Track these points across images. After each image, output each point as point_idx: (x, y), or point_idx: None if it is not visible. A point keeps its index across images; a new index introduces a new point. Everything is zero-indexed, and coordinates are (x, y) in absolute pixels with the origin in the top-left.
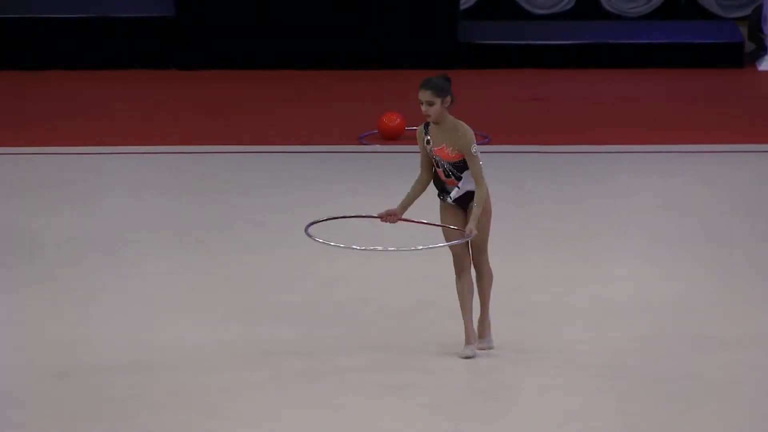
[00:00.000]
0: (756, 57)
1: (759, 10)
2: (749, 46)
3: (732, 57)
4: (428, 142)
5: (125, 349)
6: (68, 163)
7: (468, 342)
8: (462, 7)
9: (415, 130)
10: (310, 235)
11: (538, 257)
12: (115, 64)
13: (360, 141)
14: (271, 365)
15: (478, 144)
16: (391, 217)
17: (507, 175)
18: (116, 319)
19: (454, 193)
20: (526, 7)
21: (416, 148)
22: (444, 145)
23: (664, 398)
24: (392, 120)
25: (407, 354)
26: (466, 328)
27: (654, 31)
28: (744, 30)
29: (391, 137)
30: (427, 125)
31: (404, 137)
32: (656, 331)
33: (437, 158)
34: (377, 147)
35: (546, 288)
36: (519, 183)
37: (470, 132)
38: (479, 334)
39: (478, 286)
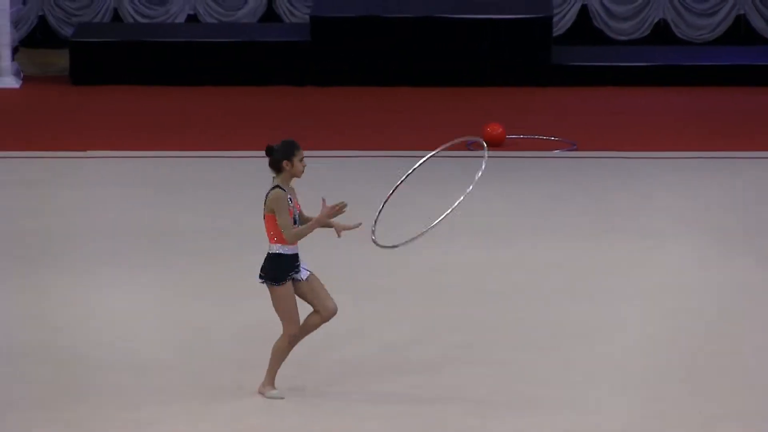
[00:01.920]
0: None
1: None
2: None
3: None
4: (290, 200)
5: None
6: (238, 164)
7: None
8: (555, 34)
9: (517, 137)
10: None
11: (608, 246)
12: (261, 81)
13: (468, 147)
14: None
15: (568, 150)
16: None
17: (590, 177)
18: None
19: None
20: (610, 34)
21: (512, 153)
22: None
23: None
24: (495, 129)
25: None
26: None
27: (718, 54)
28: None
29: (494, 144)
30: (281, 188)
31: (505, 145)
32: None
33: (296, 213)
34: (482, 152)
35: (611, 271)
36: (601, 184)
37: None
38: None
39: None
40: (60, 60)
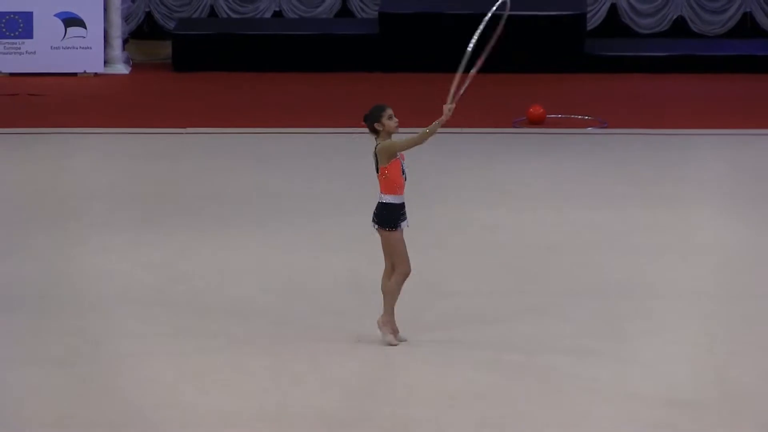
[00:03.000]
0: None
1: None
2: None
3: None
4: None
5: None
6: (316, 139)
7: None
8: (588, 28)
9: (556, 117)
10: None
11: (637, 210)
12: (337, 69)
13: (514, 125)
14: None
15: (599, 128)
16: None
17: (619, 151)
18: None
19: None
20: (635, 28)
21: (552, 130)
22: None
23: None
24: (537, 110)
25: None
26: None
27: (728, 46)
28: None
29: (537, 122)
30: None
31: (546, 122)
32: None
33: (403, 163)
34: (526, 129)
35: (633, 232)
36: (628, 156)
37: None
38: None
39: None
40: (164, 50)
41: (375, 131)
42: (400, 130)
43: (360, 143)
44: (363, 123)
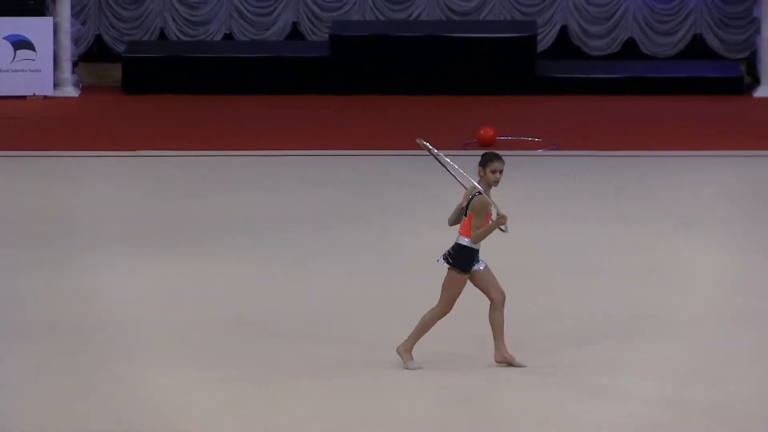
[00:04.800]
0: (752, 87)
1: (754, 53)
2: (747, 79)
3: (734, 87)
4: (493, 205)
5: None
6: (269, 161)
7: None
8: (539, 50)
9: (506, 138)
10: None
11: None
12: (287, 91)
13: (464, 147)
14: None
15: (550, 149)
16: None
17: (570, 171)
18: None
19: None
20: (586, 50)
21: (502, 152)
22: None
23: None
24: (488, 132)
25: None
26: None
27: (678, 67)
28: (743, 67)
29: (487, 144)
30: (483, 194)
31: (497, 144)
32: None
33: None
34: (477, 151)
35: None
36: (579, 176)
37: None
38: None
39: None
40: (114, 72)
41: (478, 177)
42: (346, 153)
43: (304, 167)
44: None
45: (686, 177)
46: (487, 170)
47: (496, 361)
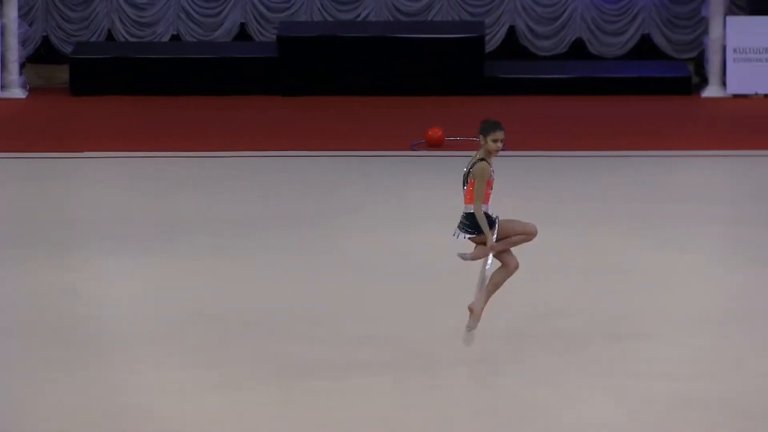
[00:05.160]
0: (700, 87)
1: (702, 53)
2: (695, 80)
3: (683, 87)
4: (493, 172)
5: None
6: (216, 163)
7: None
8: (487, 51)
9: (454, 139)
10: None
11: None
12: (235, 92)
13: (412, 147)
14: None
15: None
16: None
17: (519, 173)
18: None
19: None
20: (534, 50)
21: (450, 153)
22: None
23: None
24: (436, 132)
25: None
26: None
27: (626, 68)
28: (691, 67)
29: (435, 145)
30: (486, 160)
31: (445, 145)
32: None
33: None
34: (425, 152)
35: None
36: (526, 177)
37: None
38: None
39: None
40: (61, 74)
41: (479, 145)
42: (294, 154)
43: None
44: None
45: (635, 177)
46: (488, 139)
47: (469, 307)
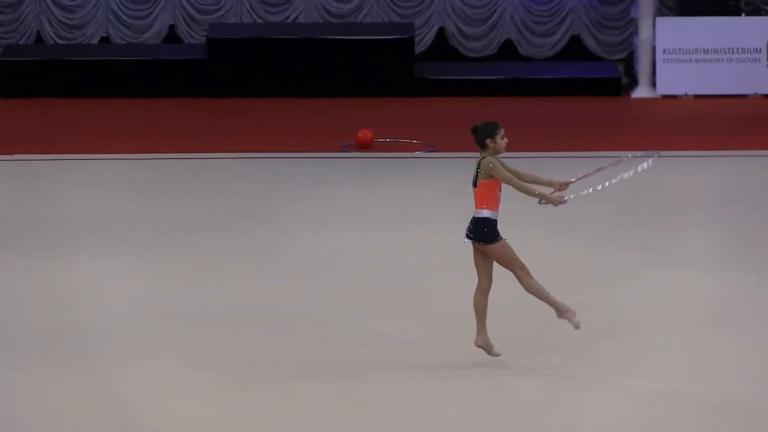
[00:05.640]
0: (630, 88)
1: (632, 54)
2: (625, 80)
3: (612, 88)
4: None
5: None
6: (147, 164)
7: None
8: (417, 52)
9: (384, 140)
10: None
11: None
12: (165, 94)
13: (342, 149)
14: None
15: (428, 151)
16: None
17: (449, 173)
18: None
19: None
20: (463, 52)
21: (381, 153)
22: None
23: None
24: (366, 134)
25: None
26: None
27: (556, 69)
28: (621, 68)
29: (365, 146)
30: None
31: (374, 147)
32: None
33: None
34: (355, 153)
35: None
36: (459, 179)
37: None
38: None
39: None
40: None
41: (483, 146)
42: (225, 156)
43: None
44: (472, 133)
45: (564, 178)
46: (497, 138)
47: (476, 345)
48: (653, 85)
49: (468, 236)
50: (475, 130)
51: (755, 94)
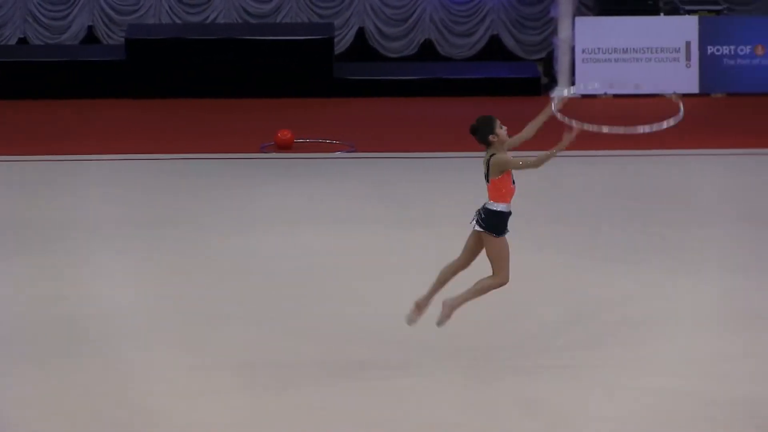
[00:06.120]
0: (550, 88)
1: (551, 53)
2: (544, 80)
3: (532, 88)
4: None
5: None
6: (65, 166)
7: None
8: (336, 52)
9: (303, 141)
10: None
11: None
12: (84, 95)
13: (262, 149)
14: None
15: (347, 151)
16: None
17: (368, 173)
18: None
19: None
20: (383, 52)
21: (300, 155)
22: None
23: None
24: (285, 134)
25: None
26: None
27: (475, 69)
28: (541, 68)
29: (285, 147)
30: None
31: (295, 147)
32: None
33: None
34: (274, 154)
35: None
36: (377, 178)
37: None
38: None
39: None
40: None
41: (487, 143)
42: (145, 157)
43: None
44: (472, 133)
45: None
46: (497, 130)
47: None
48: (572, 84)
49: (479, 224)
50: (474, 131)
51: (674, 93)
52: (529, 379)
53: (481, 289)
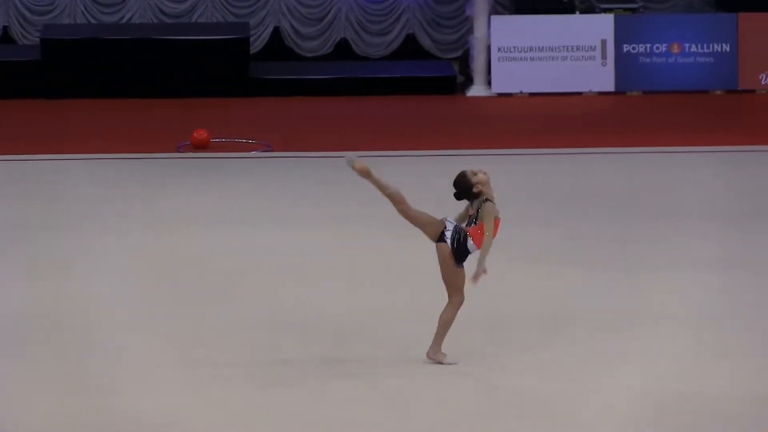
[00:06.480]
0: (465, 86)
1: (467, 52)
2: (460, 79)
3: (448, 86)
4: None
5: None
6: None
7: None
8: (252, 52)
9: (220, 141)
10: None
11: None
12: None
13: (178, 149)
14: None
15: (264, 151)
16: None
17: (285, 173)
18: None
19: None
20: (299, 51)
21: (216, 154)
22: None
23: None
24: (201, 134)
25: None
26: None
27: (391, 68)
28: (456, 66)
29: (201, 146)
30: (491, 201)
31: (211, 147)
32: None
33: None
34: (191, 154)
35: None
36: (293, 178)
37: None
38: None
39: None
40: None
41: (476, 195)
42: (61, 157)
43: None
44: (458, 198)
45: (402, 177)
46: (474, 181)
47: (428, 357)
48: (488, 83)
49: (452, 243)
50: (457, 194)
51: (590, 91)
52: (520, 378)
53: (447, 322)
